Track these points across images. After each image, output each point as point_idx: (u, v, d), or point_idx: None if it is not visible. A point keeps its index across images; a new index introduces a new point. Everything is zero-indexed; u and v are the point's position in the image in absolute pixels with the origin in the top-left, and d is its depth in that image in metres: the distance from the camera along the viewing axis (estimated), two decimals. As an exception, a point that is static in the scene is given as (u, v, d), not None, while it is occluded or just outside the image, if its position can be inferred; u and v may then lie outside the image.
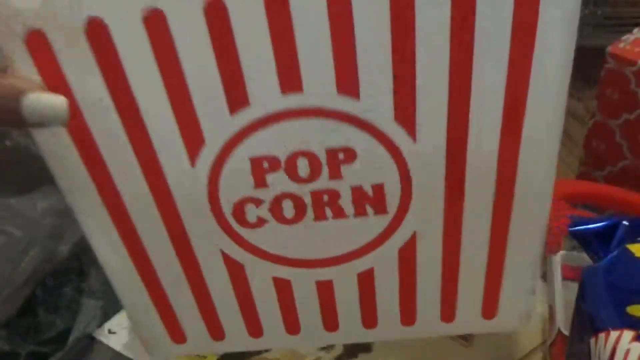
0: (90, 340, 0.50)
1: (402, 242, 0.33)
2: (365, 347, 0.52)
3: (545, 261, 0.54)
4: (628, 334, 0.39)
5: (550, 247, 0.54)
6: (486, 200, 0.35)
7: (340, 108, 0.29)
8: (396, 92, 0.29)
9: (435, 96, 0.30)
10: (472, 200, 0.35)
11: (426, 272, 0.37)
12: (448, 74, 0.29)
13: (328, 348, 0.52)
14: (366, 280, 0.35)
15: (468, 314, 0.40)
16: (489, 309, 0.40)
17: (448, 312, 0.40)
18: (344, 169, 0.30)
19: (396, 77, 0.29)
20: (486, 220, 0.36)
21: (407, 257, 0.35)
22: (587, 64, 0.81)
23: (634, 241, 0.46)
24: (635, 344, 0.39)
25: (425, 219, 0.34)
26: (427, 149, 0.31)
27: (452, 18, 0.28)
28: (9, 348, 0.47)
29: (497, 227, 0.37)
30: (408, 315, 0.39)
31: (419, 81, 0.30)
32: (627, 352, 0.39)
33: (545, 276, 0.54)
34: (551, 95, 0.33)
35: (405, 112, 0.29)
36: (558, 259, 0.53)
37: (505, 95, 0.31)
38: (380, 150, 0.30)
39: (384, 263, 0.35)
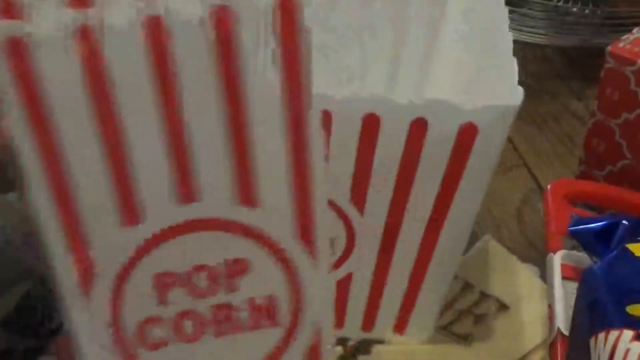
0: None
1: (304, 348, 0.33)
2: (365, 350, 0.52)
3: (545, 261, 0.54)
4: (628, 334, 0.39)
5: (550, 247, 0.54)
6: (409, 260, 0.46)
7: (240, 219, 0.28)
8: (297, 204, 0.30)
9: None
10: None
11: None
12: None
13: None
14: None
15: (384, 328, 0.51)
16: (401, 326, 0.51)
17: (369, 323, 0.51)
18: (239, 281, 0.29)
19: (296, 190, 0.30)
20: (408, 268, 0.47)
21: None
22: (587, 64, 0.81)
23: (634, 241, 0.46)
24: (635, 344, 0.39)
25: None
26: (324, 267, 0.31)
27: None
28: (7, 345, 0.47)
29: (416, 273, 0.47)
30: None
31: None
32: (627, 351, 0.39)
33: (545, 276, 0.54)
34: (467, 210, 0.44)
35: (305, 229, 0.30)
36: (558, 258, 0.53)
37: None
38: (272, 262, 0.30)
39: None
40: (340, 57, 0.56)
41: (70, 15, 0.26)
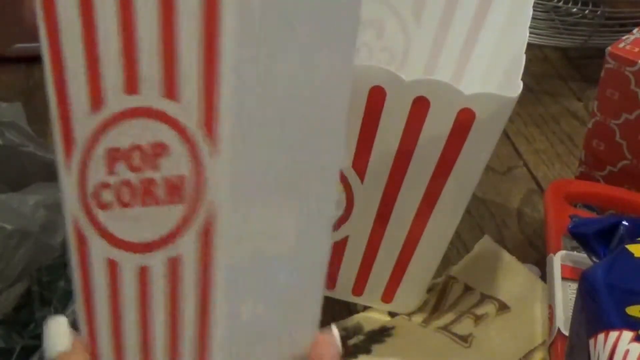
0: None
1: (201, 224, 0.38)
2: (365, 349, 0.52)
3: (545, 261, 0.54)
4: (627, 335, 0.39)
5: (550, 247, 0.54)
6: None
7: (163, 109, 0.34)
8: (206, 99, 0.35)
9: None
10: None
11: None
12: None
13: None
14: None
15: (372, 294, 0.54)
16: (389, 295, 0.54)
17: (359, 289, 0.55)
18: (161, 161, 0.36)
19: None
20: (400, 240, 0.50)
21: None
22: (587, 64, 0.81)
23: (633, 241, 0.46)
24: (635, 345, 0.39)
25: None
26: (225, 155, 0.35)
27: None
28: (5, 344, 0.47)
29: (407, 245, 0.51)
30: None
31: None
32: (627, 352, 0.39)
33: (545, 276, 0.54)
34: (460, 193, 0.48)
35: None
36: (558, 259, 0.53)
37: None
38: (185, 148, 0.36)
39: None
40: (384, 38, 0.59)
41: None
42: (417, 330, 0.53)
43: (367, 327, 0.53)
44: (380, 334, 0.53)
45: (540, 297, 0.55)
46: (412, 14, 0.58)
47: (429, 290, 0.56)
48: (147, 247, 0.36)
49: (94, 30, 0.34)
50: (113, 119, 0.35)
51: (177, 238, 0.35)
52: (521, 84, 0.42)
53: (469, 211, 0.62)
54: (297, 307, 0.38)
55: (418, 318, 0.54)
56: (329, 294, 0.55)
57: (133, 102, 0.34)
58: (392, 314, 0.55)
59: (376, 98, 0.43)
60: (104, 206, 0.36)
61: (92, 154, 0.36)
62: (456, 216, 0.49)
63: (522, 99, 0.43)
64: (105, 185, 0.36)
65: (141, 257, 0.36)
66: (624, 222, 0.49)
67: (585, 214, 0.58)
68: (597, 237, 0.50)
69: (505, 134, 0.72)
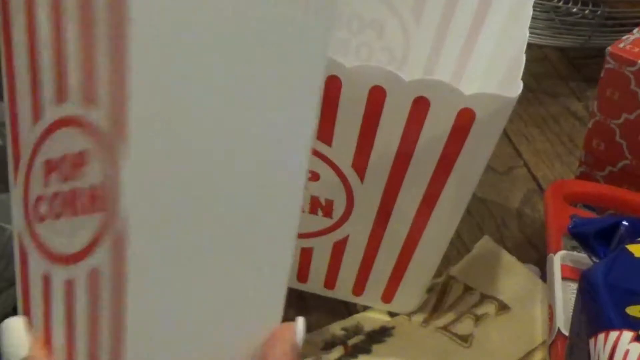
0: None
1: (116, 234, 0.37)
2: (365, 349, 0.52)
3: (545, 261, 0.54)
4: (627, 335, 0.39)
5: (550, 247, 0.54)
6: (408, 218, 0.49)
7: (82, 115, 0.33)
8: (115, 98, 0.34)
9: None
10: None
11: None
12: None
13: (328, 349, 0.52)
14: None
15: (372, 294, 0.54)
16: (389, 295, 0.54)
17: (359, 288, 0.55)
18: (84, 170, 0.35)
19: None
20: (400, 240, 0.50)
21: None
22: (587, 64, 0.81)
23: (633, 241, 0.46)
24: (635, 345, 0.39)
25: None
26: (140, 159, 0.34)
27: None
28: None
29: (407, 245, 0.51)
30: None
31: None
32: (627, 352, 0.39)
33: (545, 276, 0.54)
34: (460, 193, 0.48)
35: None
36: (558, 259, 0.53)
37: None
38: None
39: None
40: (384, 38, 0.59)
41: None
42: (417, 330, 0.53)
43: (367, 327, 0.53)
44: (380, 334, 0.53)
45: (540, 297, 0.55)
46: (412, 14, 0.58)
47: (429, 290, 0.56)
48: (72, 259, 0.35)
49: (34, 40, 0.34)
50: (48, 129, 0.35)
51: (96, 248, 0.34)
52: (521, 84, 0.42)
53: (469, 211, 0.62)
54: (240, 304, 0.36)
55: (418, 318, 0.54)
56: (329, 294, 0.55)
57: (62, 111, 0.34)
58: (392, 314, 0.55)
59: (376, 98, 0.43)
60: (41, 219, 0.35)
61: (33, 166, 0.35)
62: (456, 216, 0.49)
63: (522, 99, 0.43)
64: (42, 198, 0.35)
65: (67, 270, 0.35)
66: (624, 222, 0.49)
67: (585, 214, 0.58)
68: (597, 237, 0.50)
69: (505, 134, 0.72)
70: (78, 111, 0.33)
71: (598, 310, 0.42)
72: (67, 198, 0.34)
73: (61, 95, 0.34)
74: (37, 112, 0.35)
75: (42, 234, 0.35)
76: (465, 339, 0.53)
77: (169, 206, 0.33)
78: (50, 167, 0.35)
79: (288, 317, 0.35)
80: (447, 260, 0.57)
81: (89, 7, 0.31)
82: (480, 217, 0.63)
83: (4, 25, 0.35)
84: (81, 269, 0.34)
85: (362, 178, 0.47)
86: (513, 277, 0.57)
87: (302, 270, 0.54)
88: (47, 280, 0.36)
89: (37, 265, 0.36)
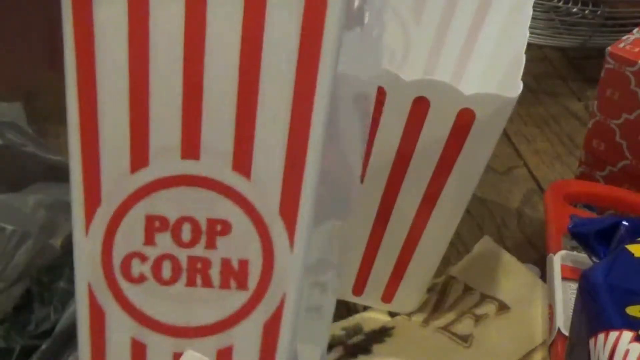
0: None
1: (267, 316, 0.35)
2: (365, 349, 0.52)
3: (545, 261, 0.54)
4: (627, 335, 0.39)
5: (550, 247, 0.54)
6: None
7: (231, 184, 0.31)
8: (285, 182, 0.32)
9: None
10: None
11: None
12: None
13: (328, 349, 0.52)
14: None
15: (372, 294, 0.54)
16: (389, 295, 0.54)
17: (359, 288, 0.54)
18: (219, 240, 0.32)
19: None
20: (400, 240, 0.50)
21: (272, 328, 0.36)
22: (587, 64, 0.81)
23: (633, 241, 0.46)
24: (635, 345, 0.39)
25: None
26: (300, 249, 0.33)
27: None
28: (5, 344, 0.46)
29: (407, 245, 0.50)
30: None
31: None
32: (627, 352, 0.39)
33: (545, 276, 0.54)
34: (460, 194, 0.47)
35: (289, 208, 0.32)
36: (558, 259, 0.53)
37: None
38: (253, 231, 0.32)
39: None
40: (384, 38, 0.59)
41: None
42: (417, 330, 0.53)
43: (367, 327, 0.53)
44: (380, 334, 0.53)
45: (540, 297, 0.55)
46: (412, 14, 0.58)
47: (429, 290, 0.56)
48: (187, 332, 0.32)
49: (147, 80, 0.30)
50: (159, 182, 0.31)
51: (231, 327, 0.32)
52: (521, 84, 0.42)
53: (469, 211, 0.62)
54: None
55: (418, 318, 0.54)
56: None
57: (190, 168, 0.31)
58: (392, 314, 0.55)
59: (376, 98, 0.43)
60: (134, 279, 0.32)
61: (125, 218, 0.32)
62: (456, 216, 0.49)
63: (522, 99, 0.43)
64: (140, 256, 0.32)
65: (177, 342, 0.32)
66: (624, 222, 0.49)
67: (585, 214, 0.58)
68: (597, 237, 0.50)
69: (505, 134, 0.72)
70: (219, 175, 0.30)
71: (598, 310, 0.42)
72: (187, 265, 0.31)
73: (191, 149, 0.30)
74: (139, 159, 0.31)
75: (135, 296, 0.32)
76: (465, 339, 0.53)
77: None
78: (159, 224, 0.31)
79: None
80: (447, 260, 0.57)
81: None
82: (480, 217, 0.63)
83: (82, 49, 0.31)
84: (205, 344, 0.32)
85: (362, 178, 0.47)
86: (513, 277, 0.57)
87: None
88: (139, 346, 0.33)
89: (121, 327, 0.33)
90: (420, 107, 0.43)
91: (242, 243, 0.31)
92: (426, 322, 0.54)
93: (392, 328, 0.53)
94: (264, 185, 0.31)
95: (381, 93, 0.43)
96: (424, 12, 0.58)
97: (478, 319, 0.54)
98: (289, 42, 0.30)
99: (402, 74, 0.42)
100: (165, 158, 0.31)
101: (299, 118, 0.31)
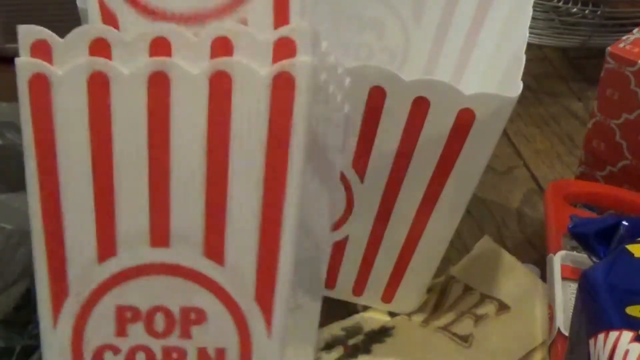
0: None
1: None
2: (365, 349, 0.52)
3: (545, 261, 0.54)
4: (627, 335, 0.39)
5: (550, 247, 0.54)
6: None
7: (204, 271, 0.30)
8: (259, 267, 0.31)
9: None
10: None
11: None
12: None
13: (328, 349, 0.52)
14: None
15: (372, 294, 0.53)
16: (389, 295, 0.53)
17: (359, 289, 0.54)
18: (194, 329, 0.31)
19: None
20: (400, 240, 0.50)
21: None
22: (587, 64, 0.81)
23: (633, 241, 0.46)
24: (635, 345, 0.39)
25: None
26: (277, 335, 0.32)
27: None
28: (5, 344, 0.46)
29: (407, 245, 0.50)
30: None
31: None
32: (626, 352, 0.39)
33: (545, 276, 0.54)
34: (460, 193, 0.47)
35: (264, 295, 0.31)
36: (558, 259, 0.53)
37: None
38: (228, 319, 0.32)
39: None
40: (384, 38, 0.60)
41: (87, 60, 0.30)
42: (417, 330, 0.53)
43: (367, 327, 0.53)
44: (380, 334, 0.53)
45: (540, 297, 0.55)
46: (412, 14, 0.59)
47: (429, 290, 0.56)
48: None
49: (111, 167, 0.30)
50: (129, 272, 0.30)
51: None
52: (521, 84, 0.43)
53: (469, 211, 0.62)
54: None
55: (418, 318, 0.54)
56: (329, 294, 0.55)
57: (160, 256, 0.30)
58: (392, 314, 0.55)
59: (376, 98, 0.43)
60: None
61: (95, 309, 0.31)
62: (456, 216, 0.49)
63: (522, 99, 0.43)
64: (112, 348, 0.31)
65: None
66: (624, 222, 0.49)
67: (585, 214, 0.58)
68: (597, 237, 0.50)
69: (505, 134, 0.72)
70: (191, 263, 0.30)
71: (598, 310, 0.42)
72: (161, 355, 0.31)
73: (160, 237, 0.30)
74: (107, 248, 0.31)
75: None
76: (465, 339, 0.53)
77: None
78: (131, 315, 0.31)
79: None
80: (447, 260, 0.57)
81: None
82: (480, 217, 0.63)
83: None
84: None
85: (362, 178, 0.47)
86: (513, 277, 0.57)
87: None
88: None
89: None
90: (420, 107, 0.43)
91: (218, 331, 0.31)
92: (426, 322, 0.54)
93: (392, 328, 0.53)
94: (238, 271, 0.30)
95: (381, 93, 0.43)
96: (424, 12, 0.58)
97: (478, 319, 0.54)
98: (257, 126, 0.30)
99: (402, 74, 0.42)
100: (134, 246, 0.30)
101: (270, 202, 0.30)
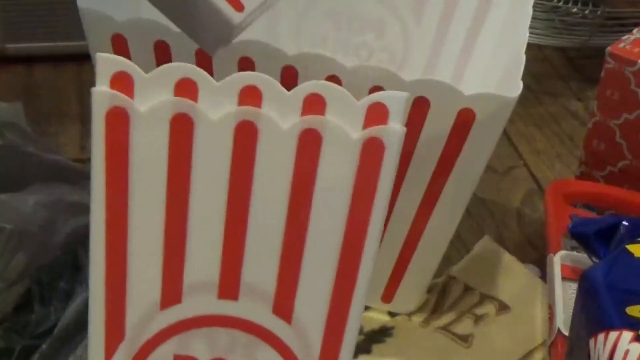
0: (77, 328, 0.49)
1: None
2: (365, 349, 0.52)
3: (545, 261, 0.54)
4: (627, 335, 0.39)
5: (550, 247, 0.54)
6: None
7: (270, 328, 0.29)
8: (327, 327, 0.31)
9: None
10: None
11: None
12: None
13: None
14: None
15: (372, 294, 0.52)
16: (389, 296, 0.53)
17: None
18: None
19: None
20: (400, 241, 0.49)
21: None
22: (587, 64, 0.81)
23: (633, 241, 0.46)
24: (635, 345, 0.39)
25: None
26: None
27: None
28: (5, 344, 0.46)
29: (407, 246, 0.50)
30: None
31: None
32: (626, 352, 0.39)
33: (545, 276, 0.54)
34: (460, 194, 0.47)
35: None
36: (558, 259, 0.53)
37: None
38: None
39: None
40: (384, 38, 0.59)
41: (173, 100, 0.29)
42: (417, 330, 0.53)
43: (367, 327, 0.53)
44: (380, 334, 0.53)
45: (540, 297, 0.55)
46: (412, 14, 0.59)
47: (429, 290, 0.56)
48: None
49: (186, 210, 0.29)
50: (192, 321, 0.30)
51: None
52: (521, 84, 0.43)
53: (469, 211, 0.62)
54: None
55: (418, 318, 0.54)
56: None
57: (226, 308, 0.30)
58: (392, 314, 0.55)
59: None
60: None
61: (151, 356, 0.30)
62: (456, 216, 0.49)
63: (522, 99, 0.43)
64: None
65: None
66: (624, 222, 0.49)
67: (585, 214, 0.58)
68: (597, 237, 0.50)
69: (505, 134, 0.72)
70: (258, 318, 0.29)
71: (598, 310, 0.42)
72: None
73: (229, 289, 0.29)
74: (170, 296, 0.30)
75: None
76: (465, 339, 0.53)
77: None
78: None
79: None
80: (447, 260, 0.57)
81: None
82: (480, 217, 0.63)
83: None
84: None
85: None
86: (513, 277, 0.57)
87: None
88: None
89: None
90: (420, 107, 0.43)
91: None
92: (426, 322, 0.54)
93: (392, 328, 0.53)
94: (305, 330, 0.30)
95: (380, 91, 0.43)
96: (424, 12, 0.58)
97: (478, 319, 0.54)
98: (342, 187, 0.30)
99: (402, 74, 0.42)
100: (201, 296, 0.30)
101: (346, 263, 0.30)
